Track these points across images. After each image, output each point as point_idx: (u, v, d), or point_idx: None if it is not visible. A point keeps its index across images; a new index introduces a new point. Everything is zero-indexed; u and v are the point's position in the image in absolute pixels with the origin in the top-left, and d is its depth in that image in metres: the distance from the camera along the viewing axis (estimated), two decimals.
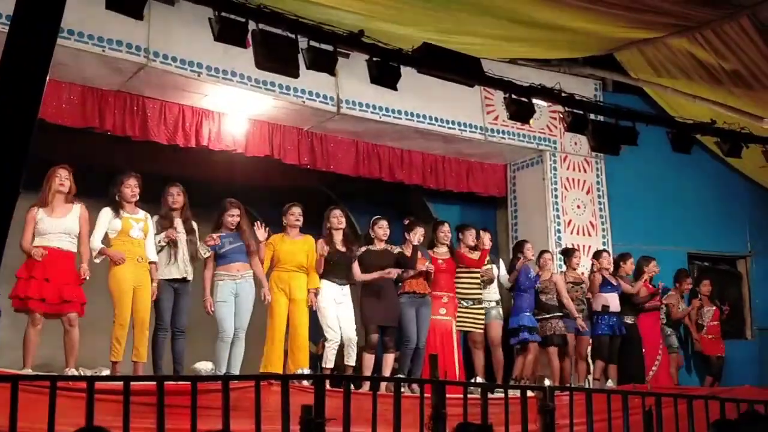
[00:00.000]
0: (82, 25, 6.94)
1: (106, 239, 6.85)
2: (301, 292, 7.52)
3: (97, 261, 6.77)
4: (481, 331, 8.57)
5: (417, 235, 8.13)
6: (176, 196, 7.19)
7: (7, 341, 6.90)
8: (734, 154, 8.64)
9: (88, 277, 6.51)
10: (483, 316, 8.60)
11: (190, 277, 7.15)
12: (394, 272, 7.85)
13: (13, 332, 6.77)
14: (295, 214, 7.66)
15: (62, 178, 6.54)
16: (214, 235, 7.20)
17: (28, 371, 6.05)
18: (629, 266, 9.61)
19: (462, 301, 8.51)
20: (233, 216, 7.34)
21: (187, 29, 7.37)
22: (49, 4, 1.99)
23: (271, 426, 5.01)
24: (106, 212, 6.85)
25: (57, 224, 6.47)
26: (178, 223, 7.09)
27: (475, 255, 8.66)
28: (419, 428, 5.52)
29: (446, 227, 8.58)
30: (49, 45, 1.99)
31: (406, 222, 8.45)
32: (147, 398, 5.01)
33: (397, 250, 8.03)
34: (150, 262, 6.91)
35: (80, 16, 6.69)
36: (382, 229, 8.02)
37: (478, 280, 8.65)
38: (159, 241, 7.01)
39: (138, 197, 6.94)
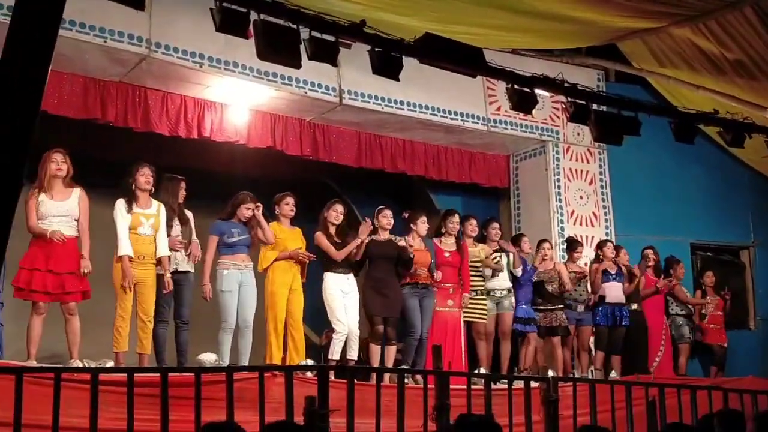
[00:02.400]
0: (84, 16, 6.92)
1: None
2: (298, 281, 7.54)
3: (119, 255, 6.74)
4: (485, 321, 8.56)
5: (424, 225, 8.15)
6: (183, 190, 7.24)
7: (10, 333, 6.91)
8: (737, 144, 8.60)
9: (87, 271, 6.49)
10: (486, 307, 8.59)
11: (186, 268, 7.14)
12: (365, 232, 7.75)
13: (17, 324, 6.78)
14: (290, 204, 7.66)
15: (58, 162, 6.47)
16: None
17: (33, 363, 6.06)
18: (623, 257, 9.57)
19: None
20: (250, 210, 7.34)
21: (189, 20, 7.35)
22: None
23: (275, 417, 4.98)
24: (120, 206, 6.81)
25: (58, 207, 6.42)
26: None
27: (477, 247, 8.67)
28: (423, 419, 5.53)
29: (456, 218, 8.55)
30: (51, 36, 1.98)
31: (407, 215, 8.42)
32: (151, 390, 5.02)
33: (401, 242, 8.03)
34: (159, 258, 6.88)
35: (81, 6, 6.67)
36: (386, 218, 8.02)
37: (481, 271, 8.63)
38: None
39: (149, 188, 6.90)
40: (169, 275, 6.88)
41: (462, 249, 8.45)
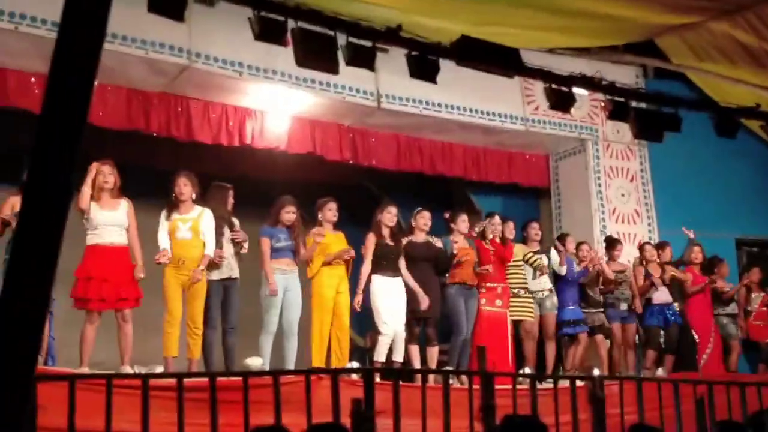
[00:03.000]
0: (125, 29, 7.05)
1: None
2: (344, 284, 7.59)
3: (162, 261, 6.84)
4: (533, 319, 8.55)
5: (464, 223, 8.17)
6: (230, 198, 7.33)
7: (61, 340, 7.05)
8: None
9: (142, 277, 6.63)
10: (532, 305, 8.58)
11: (235, 275, 7.23)
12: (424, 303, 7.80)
13: (68, 332, 6.92)
14: (333, 210, 7.70)
15: (106, 175, 6.62)
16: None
17: (85, 370, 6.18)
18: (668, 254, 9.49)
19: (515, 290, 8.50)
20: (290, 213, 7.41)
21: (228, 29, 7.44)
22: (95, 10, 2.03)
23: (322, 419, 5.05)
24: (162, 216, 6.97)
25: (109, 217, 6.56)
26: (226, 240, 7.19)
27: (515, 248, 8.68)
28: (469, 420, 5.54)
29: (497, 219, 8.56)
30: (96, 49, 2.04)
31: (447, 215, 8.45)
32: (200, 394, 5.09)
33: (438, 243, 8.05)
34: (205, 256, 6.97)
35: (123, 19, 6.79)
36: (424, 219, 8.06)
37: (523, 270, 8.63)
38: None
39: (186, 195, 6.98)
40: (201, 268, 6.88)
41: (507, 248, 8.48)
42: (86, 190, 6.48)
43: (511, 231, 8.73)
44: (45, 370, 5.79)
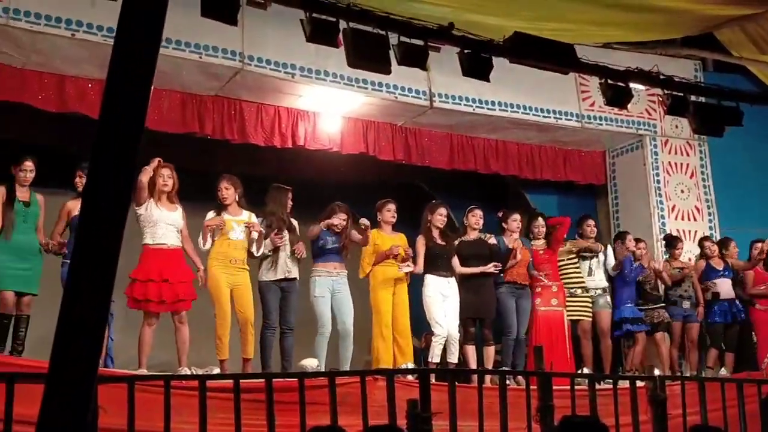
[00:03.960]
0: (179, 33, 7.13)
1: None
2: (402, 287, 7.56)
3: (206, 247, 6.90)
4: (590, 319, 8.44)
5: (516, 222, 8.12)
6: (289, 201, 7.38)
7: (119, 343, 7.15)
8: None
9: (202, 282, 6.72)
10: (591, 304, 8.47)
11: (293, 276, 7.26)
12: (491, 267, 7.80)
13: (126, 334, 7.02)
14: (391, 211, 7.71)
15: (165, 178, 6.71)
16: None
17: (143, 371, 6.26)
18: (733, 251, 9.27)
19: (572, 290, 8.41)
20: (340, 220, 7.43)
21: (280, 32, 7.48)
22: (151, 16, 2.04)
23: (378, 420, 5.04)
24: (209, 214, 7.02)
25: (167, 216, 6.64)
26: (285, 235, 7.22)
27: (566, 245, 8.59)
28: (527, 421, 5.48)
29: (540, 221, 8.52)
30: (152, 55, 2.05)
31: (500, 214, 8.41)
32: (257, 395, 5.10)
33: (492, 240, 8.00)
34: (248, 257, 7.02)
35: (177, 24, 6.84)
36: (475, 217, 8.05)
37: (579, 269, 8.52)
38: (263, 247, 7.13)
39: (230, 198, 7.04)
40: (257, 228, 6.96)
41: (553, 240, 8.46)
42: (144, 179, 6.54)
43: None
44: (104, 371, 5.87)
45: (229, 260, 6.90)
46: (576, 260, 8.55)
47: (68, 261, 6.31)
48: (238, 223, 7.00)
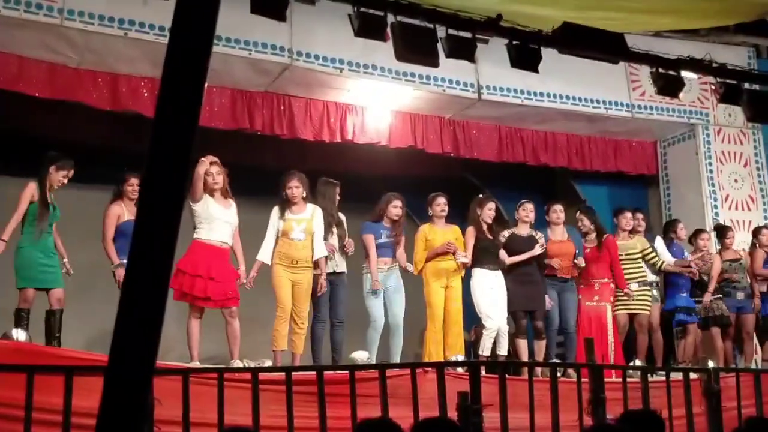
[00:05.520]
0: (229, 31, 7.20)
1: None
2: (455, 280, 7.57)
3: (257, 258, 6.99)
4: (648, 313, 8.35)
5: (555, 213, 8.11)
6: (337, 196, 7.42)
7: (173, 336, 7.26)
8: None
9: (244, 283, 6.79)
10: (650, 298, 8.38)
11: (341, 270, 7.30)
12: (538, 249, 7.79)
13: (180, 327, 7.13)
14: (441, 204, 7.70)
15: (215, 175, 6.77)
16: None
17: (196, 364, 6.35)
18: None
19: (629, 284, 8.32)
20: (397, 208, 7.46)
21: (328, 27, 7.52)
22: (204, 14, 2.08)
23: (428, 413, 5.04)
24: (274, 213, 7.06)
25: (221, 212, 6.70)
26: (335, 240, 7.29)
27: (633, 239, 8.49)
28: (578, 413, 5.45)
29: (587, 222, 8.42)
30: (206, 52, 2.09)
31: (546, 207, 8.38)
32: (308, 387, 5.17)
33: (540, 236, 7.96)
34: (317, 260, 7.04)
35: (227, 21, 6.88)
36: (526, 211, 8.01)
37: (641, 263, 8.43)
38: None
39: (298, 197, 7.05)
40: (324, 277, 7.05)
41: (604, 244, 8.29)
42: (201, 170, 6.62)
43: (628, 222, 8.56)
44: (159, 364, 5.97)
45: (290, 261, 6.94)
46: (638, 255, 8.44)
47: (123, 262, 6.47)
48: (299, 222, 7.01)
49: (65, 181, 6.67)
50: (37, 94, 7.18)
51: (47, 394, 4.55)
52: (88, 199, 7.35)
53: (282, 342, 6.83)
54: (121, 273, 6.51)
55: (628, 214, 8.60)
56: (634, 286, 8.33)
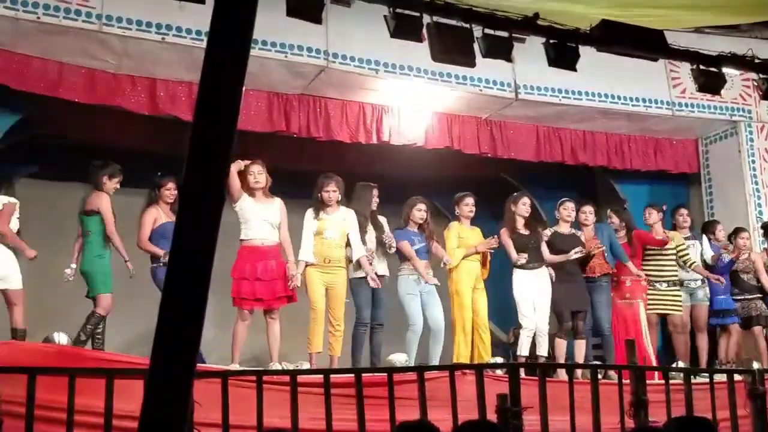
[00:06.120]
0: (265, 34, 7.23)
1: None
2: (481, 280, 7.57)
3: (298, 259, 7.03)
4: (680, 313, 8.23)
5: (584, 215, 8.11)
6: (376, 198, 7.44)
7: (213, 339, 7.32)
8: None
9: (297, 283, 6.81)
10: (680, 298, 8.26)
11: (381, 273, 7.29)
12: (573, 254, 7.72)
13: (219, 330, 7.18)
14: (469, 205, 7.70)
15: (256, 175, 6.83)
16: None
17: (236, 366, 6.39)
18: None
19: (656, 283, 8.23)
20: (420, 211, 7.44)
21: (364, 28, 7.50)
22: (242, 18, 2.08)
23: (467, 415, 5.01)
24: (308, 215, 7.12)
25: (262, 211, 6.76)
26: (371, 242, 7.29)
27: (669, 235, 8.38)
28: (619, 416, 5.37)
29: (615, 220, 8.35)
30: (244, 56, 2.09)
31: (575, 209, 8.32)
32: (346, 390, 5.16)
33: (582, 236, 7.90)
34: (358, 260, 7.07)
35: (263, 24, 6.87)
36: (567, 210, 7.97)
37: (673, 261, 8.32)
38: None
39: (334, 200, 7.12)
40: (373, 273, 7.04)
41: (633, 239, 8.27)
42: (233, 169, 6.65)
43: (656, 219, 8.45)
44: (199, 367, 6.01)
45: (323, 259, 6.97)
46: (671, 253, 8.33)
47: (159, 265, 6.56)
48: (332, 222, 7.07)
49: (118, 187, 6.82)
50: (77, 100, 7.27)
51: (89, 397, 4.60)
52: (126, 204, 7.41)
53: (317, 344, 6.86)
54: (160, 272, 6.58)
55: (683, 211, 8.49)
56: (663, 286, 8.23)
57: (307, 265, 6.94)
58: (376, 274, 7.19)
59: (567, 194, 8.47)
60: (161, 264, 6.68)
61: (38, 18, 6.61)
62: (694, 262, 8.33)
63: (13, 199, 6.70)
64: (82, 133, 8.16)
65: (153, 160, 7.44)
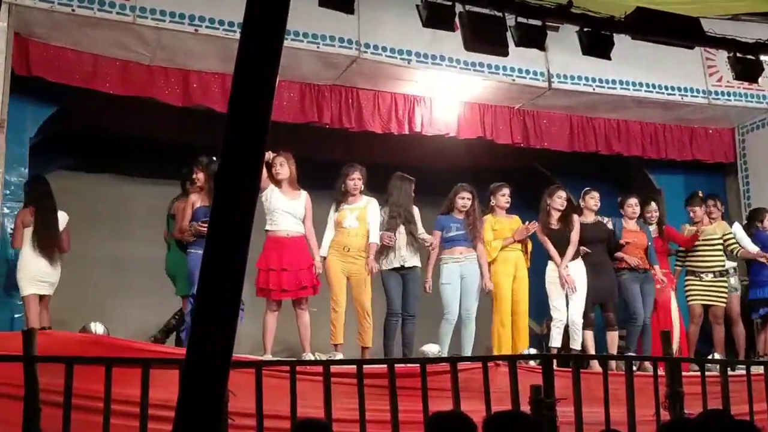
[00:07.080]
0: (297, 24, 7.22)
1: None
2: (522, 269, 7.50)
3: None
4: (723, 305, 8.13)
5: (630, 208, 7.98)
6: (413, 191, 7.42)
7: (246, 329, 7.36)
8: None
9: (320, 272, 6.83)
10: (726, 289, 8.16)
11: (410, 264, 7.26)
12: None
13: (251, 321, 7.21)
14: (506, 195, 7.67)
15: (278, 166, 6.83)
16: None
17: (269, 357, 6.42)
18: None
19: (702, 274, 8.13)
20: (464, 199, 7.42)
21: (396, 18, 7.50)
22: (275, 9, 2.08)
23: (501, 406, 4.98)
24: (332, 208, 7.15)
25: (286, 204, 6.76)
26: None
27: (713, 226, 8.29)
28: (654, 408, 5.33)
29: (653, 206, 8.27)
30: (277, 47, 2.08)
31: (620, 199, 8.22)
32: (379, 381, 5.17)
33: (609, 223, 7.84)
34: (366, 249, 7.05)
35: (295, 15, 6.87)
36: (594, 199, 7.89)
37: (720, 251, 8.21)
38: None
39: (358, 189, 7.13)
40: (371, 259, 6.99)
41: (664, 234, 8.20)
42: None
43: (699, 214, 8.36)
44: (233, 357, 6.05)
45: (343, 248, 6.99)
46: (718, 243, 8.22)
47: (193, 251, 6.59)
48: (352, 211, 7.07)
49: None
50: (111, 92, 7.33)
51: (125, 386, 4.65)
52: (161, 194, 7.47)
53: (339, 335, 6.87)
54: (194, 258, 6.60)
55: (711, 201, 8.40)
56: (709, 276, 8.14)
57: (325, 258, 6.96)
58: (404, 267, 7.17)
59: (600, 184, 8.38)
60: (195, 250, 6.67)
61: (73, 10, 6.68)
62: (741, 248, 8.21)
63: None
64: (116, 126, 8.23)
65: (187, 152, 7.48)
